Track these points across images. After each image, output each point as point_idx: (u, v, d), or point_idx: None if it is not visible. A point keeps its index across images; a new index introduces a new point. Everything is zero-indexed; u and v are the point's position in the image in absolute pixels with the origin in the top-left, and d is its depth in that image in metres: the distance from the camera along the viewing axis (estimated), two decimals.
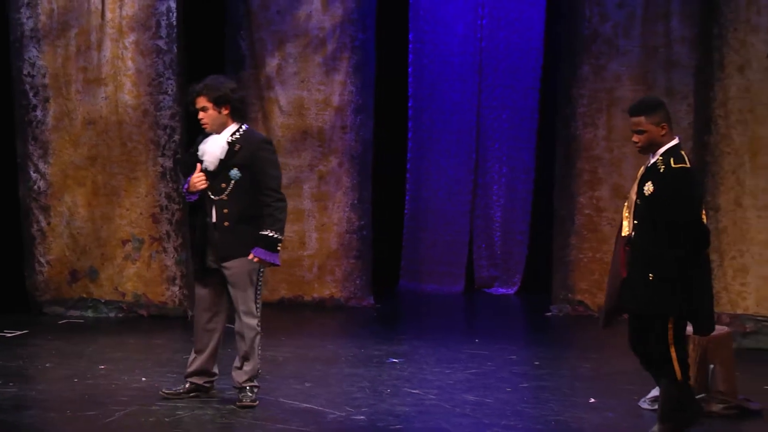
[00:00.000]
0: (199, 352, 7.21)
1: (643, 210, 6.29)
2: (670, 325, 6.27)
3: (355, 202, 11.86)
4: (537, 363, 9.00)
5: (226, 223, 6.98)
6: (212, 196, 7.01)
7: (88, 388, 7.59)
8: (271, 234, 6.96)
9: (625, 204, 6.58)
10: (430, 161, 13.05)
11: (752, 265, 9.57)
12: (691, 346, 7.19)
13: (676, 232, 6.20)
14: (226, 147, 7.00)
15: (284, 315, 11.40)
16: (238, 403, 7.06)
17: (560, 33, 11.99)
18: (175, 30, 10.75)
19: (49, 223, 10.77)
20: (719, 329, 7.55)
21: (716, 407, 7.12)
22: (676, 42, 11.24)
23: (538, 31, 12.78)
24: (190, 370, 7.23)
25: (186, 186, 7.05)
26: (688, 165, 6.26)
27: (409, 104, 13.00)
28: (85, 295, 10.79)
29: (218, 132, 7.05)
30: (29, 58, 10.70)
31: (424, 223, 13.07)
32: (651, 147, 6.34)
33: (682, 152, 6.31)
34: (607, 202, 11.45)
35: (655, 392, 7.28)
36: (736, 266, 9.63)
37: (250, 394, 7.07)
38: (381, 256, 12.40)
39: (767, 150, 9.32)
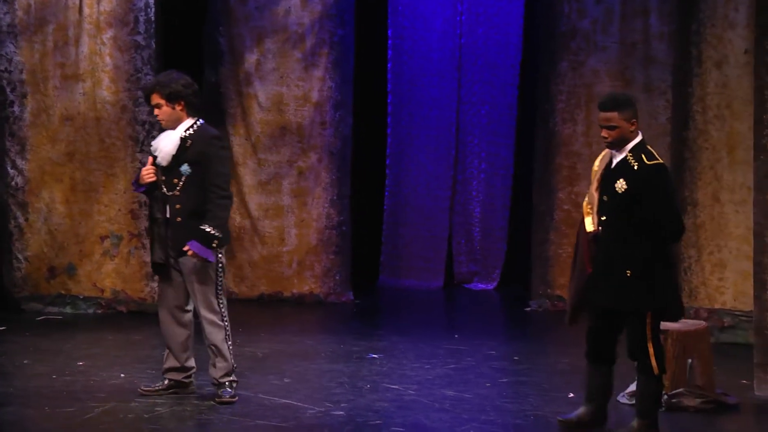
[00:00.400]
0: (171, 348, 7.19)
1: (614, 207, 6.35)
2: (647, 321, 6.33)
3: (335, 198, 11.86)
4: (516, 358, 9.02)
5: (178, 219, 6.99)
6: (165, 192, 7.03)
7: (67, 384, 7.57)
8: (208, 230, 6.93)
9: (585, 201, 6.63)
10: (409, 157, 13.05)
11: (730, 260, 9.61)
12: (669, 341, 7.23)
13: (652, 228, 6.24)
14: (178, 142, 7.02)
15: (263, 311, 11.39)
16: (216, 399, 7.06)
17: (539, 29, 12.01)
18: (153, 26, 10.72)
19: (26, 220, 10.73)
20: (696, 324, 7.60)
21: (694, 402, 7.15)
22: (654, 38, 11.27)
23: (516, 27, 12.79)
24: (166, 366, 7.22)
25: (136, 178, 7.15)
26: (661, 161, 6.36)
27: (389, 100, 12.99)
28: (63, 292, 10.76)
29: (173, 127, 7.07)
30: (6, 53, 10.65)
31: (404, 219, 13.07)
32: (620, 142, 6.42)
33: (649, 147, 6.42)
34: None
35: (634, 387, 7.31)
36: (713, 261, 9.67)
37: (229, 390, 7.07)
38: (360, 252, 12.40)
39: (745, 145, 9.35)
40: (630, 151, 6.40)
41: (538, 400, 7.40)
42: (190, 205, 6.97)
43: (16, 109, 10.68)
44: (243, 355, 8.86)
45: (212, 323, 7.02)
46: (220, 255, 7.07)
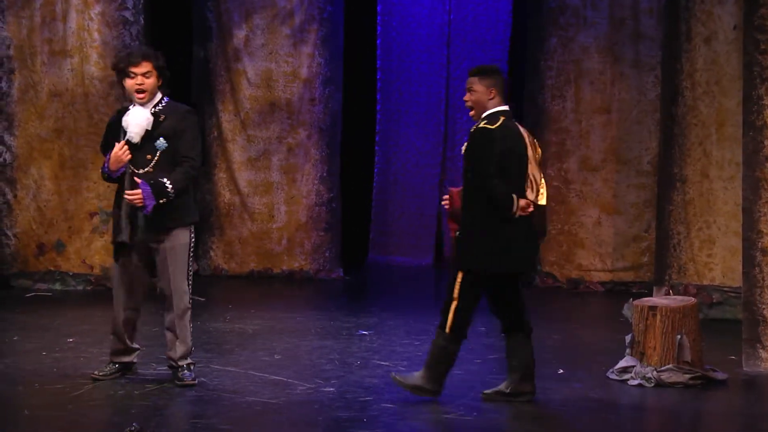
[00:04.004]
0: (119, 330, 6.99)
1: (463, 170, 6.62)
2: (459, 279, 6.54)
3: (324, 174, 11.85)
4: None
5: None
6: (136, 170, 6.80)
7: (56, 361, 7.56)
8: (167, 184, 6.73)
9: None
10: (398, 134, 13.05)
11: (719, 236, 9.63)
12: (658, 317, 7.26)
13: (473, 191, 6.49)
14: (151, 117, 6.85)
15: (253, 287, 11.40)
16: (177, 382, 6.91)
17: (528, 4, 11.99)
18: (142, 1, 10.67)
19: (15, 196, 10.70)
20: (685, 300, 7.62)
21: (683, 377, 7.18)
22: (644, 14, 11.27)
23: (505, 3, 12.77)
24: (114, 348, 7.05)
25: (107, 164, 6.81)
26: (493, 127, 6.51)
27: (378, 76, 12.98)
28: (52, 268, 10.74)
29: (146, 101, 6.86)
30: None
31: (393, 196, 13.08)
32: (478, 108, 6.62)
33: (503, 117, 6.58)
34: (575, 174, 11.49)
35: (624, 363, 7.35)
36: (702, 238, 9.69)
37: (187, 372, 6.93)
38: (350, 229, 12.41)
39: (733, 121, 9.36)
40: (484, 117, 6.60)
41: None
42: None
43: (3, 85, 10.64)
44: (233, 332, 8.87)
45: (179, 304, 6.89)
46: (192, 236, 6.98)
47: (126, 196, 6.76)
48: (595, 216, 11.48)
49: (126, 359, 7.07)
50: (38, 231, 10.73)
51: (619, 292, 11.13)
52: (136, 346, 7.14)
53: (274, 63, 11.75)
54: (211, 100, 11.69)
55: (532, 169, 6.63)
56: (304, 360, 7.87)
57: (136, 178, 6.77)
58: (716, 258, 9.65)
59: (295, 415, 6.39)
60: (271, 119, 11.79)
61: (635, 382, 7.20)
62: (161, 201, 6.74)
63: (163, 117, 6.85)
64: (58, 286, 10.73)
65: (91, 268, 10.73)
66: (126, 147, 6.78)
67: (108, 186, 10.52)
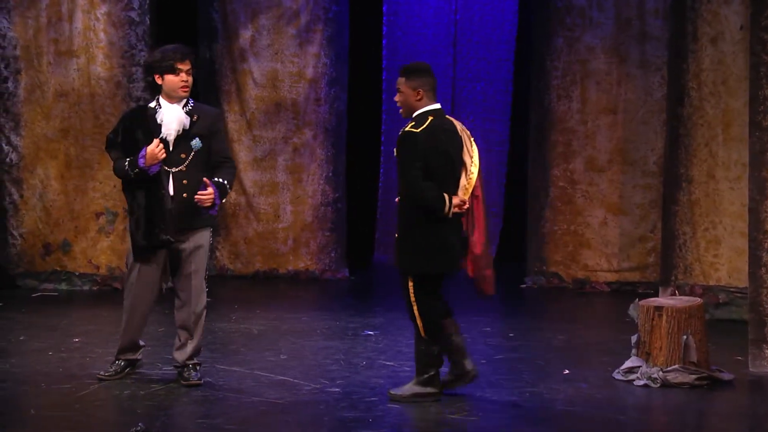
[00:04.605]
0: (133, 328, 6.99)
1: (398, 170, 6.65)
2: (410, 285, 6.60)
3: (330, 174, 11.85)
4: (511, 335, 9.03)
5: (184, 195, 6.78)
6: (168, 168, 6.79)
7: (62, 361, 7.58)
8: (226, 184, 6.86)
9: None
10: None
11: (725, 236, 9.62)
12: (664, 318, 7.25)
13: (404, 195, 6.54)
14: (188, 117, 6.86)
15: (259, 288, 11.41)
16: (183, 382, 6.92)
17: (534, 5, 11.98)
18: (148, 1, 10.69)
19: (21, 196, 10.72)
20: (691, 300, 7.61)
21: (689, 378, 7.17)
22: (650, 14, 11.26)
23: (511, 3, 12.77)
24: (125, 346, 7.05)
25: (141, 160, 6.72)
26: (418, 130, 6.52)
27: (383, 76, 12.97)
28: (58, 268, 10.76)
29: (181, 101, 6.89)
30: (0, 29, 10.62)
31: None
32: (407, 109, 6.64)
33: (431, 117, 6.58)
34: (581, 175, 11.48)
35: (630, 363, 7.34)
36: (708, 238, 9.68)
37: (193, 373, 6.94)
38: (355, 229, 12.41)
39: (739, 122, 9.34)
40: (413, 118, 6.61)
41: (533, 377, 7.42)
42: (195, 181, 6.79)
43: (10, 85, 10.66)
44: (238, 332, 8.88)
45: (198, 302, 6.92)
46: (211, 236, 7.02)
47: (199, 197, 6.75)
48: (601, 216, 11.47)
49: (132, 356, 7.09)
50: (44, 231, 10.74)
51: (625, 292, 11.13)
52: (142, 342, 7.17)
53: (279, 63, 11.76)
54: (216, 101, 11.69)
55: (469, 165, 6.65)
56: (309, 360, 7.88)
57: (205, 179, 6.78)
58: (722, 258, 9.64)
59: (300, 415, 6.40)
60: (277, 119, 11.80)
61: (641, 383, 7.19)
62: (223, 200, 6.87)
63: (196, 117, 6.86)
64: (64, 286, 10.74)
65: (97, 268, 10.75)
66: (161, 144, 6.75)
67: (114, 185, 10.58)
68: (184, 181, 6.80)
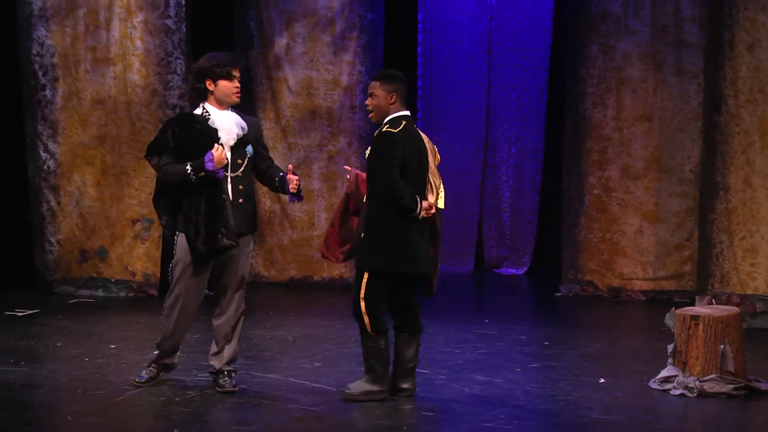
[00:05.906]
0: (179, 334, 6.98)
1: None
2: (364, 280, 6.67)
3: None
4: (546, 343, 9.01)
5: (240, 200, 6.83)
6: (227, 173, 6.82)
7: (98, 367, 7.62)
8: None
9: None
10: (439, 141, 12.92)
11: (762, 245, 9.56)
12: (700, 327, 7.20)
13: (378, 193, 6.64)
14: (244, 123, 6.92)
15: (293, 295, 11.43)
16: (218, 389, 6.92)
17: (569, 12, 11.96)
18: (184, 9, 10.75)
19: (58, 203, 10.79)
20: (728, 309, 7.56)
21: (726, 388, 7.12)
22: (686, 21, 11.21)
23: (546, 11, 12.75)
24: (166, 351, 7.04)
25: (211, 164, 6.67)
26: (396, 131, 6.68)
27: (419, 84, 12.98)
28: (95, 275, 10.82)
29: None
30: (38, 37, 10.70)
31: None
32: (379, 113, 6.79)
33: (404, 122, 6.76)
34: (616, 182, 11.43)
35: (666, 372, 7.30)
36: (745, 246, 9.62)
37: (229, 379, 6.94)
38: None
39: None
40: (386, 122, 6.75)
41: (567, 385, 7.39)
42: (249, 186, 6.90)
43: (47, 92, 10.74)
44: (273, 339, 8.89)
45: (239, 307, 6.98)
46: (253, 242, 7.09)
47: (292, 177, 6.90)
48: (636, 224, 11.42)
49: (170, 361, 7.12)
50: (81, 237, 10.81)
51: (661, 301, 11.07)
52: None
53: (314, 71, 11.79)
54: (252, 108, 11.73)
55: (432, 174, 6.84)
56: (344, 367, 7.88)
57: (290, 165, 7.03)
58: (759, 267, 9.58)
59: (335, 422, 6.40)
60: (312, 127, 11.83)
61: (677, 392, 7.15)
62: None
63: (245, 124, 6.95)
64: (100, 293, 10.81)
65: (133, 274, 10.80)
66: (224, 150, 6.75)
67: (150, 193, 10.61)
68: (240, 187, 6.86)
